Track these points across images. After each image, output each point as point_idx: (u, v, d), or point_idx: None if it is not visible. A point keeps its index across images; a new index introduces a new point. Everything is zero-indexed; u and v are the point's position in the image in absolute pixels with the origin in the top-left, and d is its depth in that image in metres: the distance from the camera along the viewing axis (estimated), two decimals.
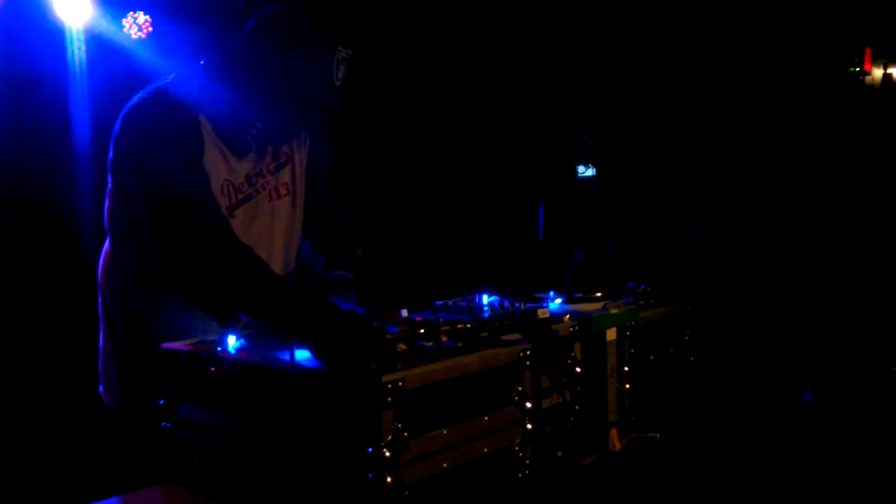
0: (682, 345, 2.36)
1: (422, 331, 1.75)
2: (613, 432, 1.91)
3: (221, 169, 2.01)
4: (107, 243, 2.12)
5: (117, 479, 2.05)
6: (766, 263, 5.32)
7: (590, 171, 6.09)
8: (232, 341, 1.72)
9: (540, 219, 5.99)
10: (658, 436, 1.99)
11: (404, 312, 1.98)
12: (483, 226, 5.90)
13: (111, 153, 2.02)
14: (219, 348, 1.71)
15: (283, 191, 2.16)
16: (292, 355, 1.56)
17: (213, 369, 1.67)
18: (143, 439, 2.02)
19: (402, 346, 1.68)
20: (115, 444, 2.14)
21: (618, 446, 1.91)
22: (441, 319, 1.81)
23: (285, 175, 2.17)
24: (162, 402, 1.77)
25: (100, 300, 2.14)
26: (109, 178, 2.05)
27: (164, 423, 1.76)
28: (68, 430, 3.57)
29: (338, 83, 2.02)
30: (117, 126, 2.00)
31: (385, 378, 1.41)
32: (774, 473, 1.91)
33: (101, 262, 2.14)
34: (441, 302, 2.20)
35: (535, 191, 6.08)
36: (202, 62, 2.04)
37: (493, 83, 5.55)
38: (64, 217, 3.91)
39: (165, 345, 1.79)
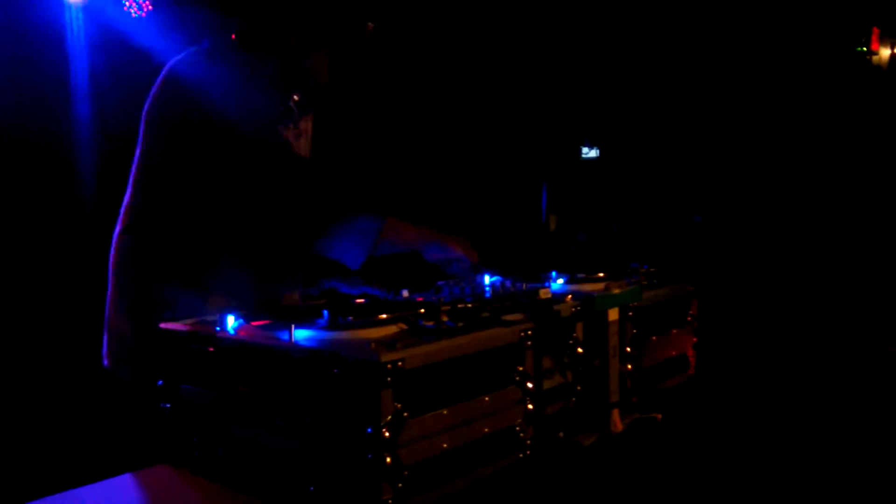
0: (684, 326, 2.35)
1: (422, 310, 1.74)
2: (615, 413, 1.90)
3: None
4: (126, 200, 2.22)
5: (116, 460, 2.06)
6: (770, 245, 5.30)
7: (594, 152, 6.06)
8: (231, 321, 1.71)
9: (543, 199, 5.98)
10: (660, 417, 1.98)
11: (405, 292, 1.97)
12: (486, 206, 5.88)
13: (152, 110, 2.15)
14: (218, 328, 1.70)
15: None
16: (291, 335, 1.55)
17: (211, 349, 1.66)
18: (143, 416, 2.04)
19: (402, 326, 1.67)
20: (114, 423, 2.14)
21: (619, 427, 1.90)
22: (442, 299, 1.80)
23: (301, 144, 2.30)
24: (161, 382, 1.76)
25: (114, 264, 2.21)
26: (144, 133, 2.17)
27: (163, 404, 1.76)
28: (67, 410, 3.58)
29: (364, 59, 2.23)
30: (158, 85, 2.14)
31: (384, 358, 1.40)
32: (776, 456, 1.90)
33: (119, 223, 2.21)
34: (442, 282, 2.19)
35: (539, 171, 6.06)
36: (228, 39, 2.18)
37: (496, 63, 5.51)
38: (65, 194, 3.91)
39: (164, 325, 1.78)
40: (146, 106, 2.20)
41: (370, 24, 2.21)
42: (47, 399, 3.68)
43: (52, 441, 3.48)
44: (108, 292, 2.23)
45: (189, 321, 1.81)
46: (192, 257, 2.10)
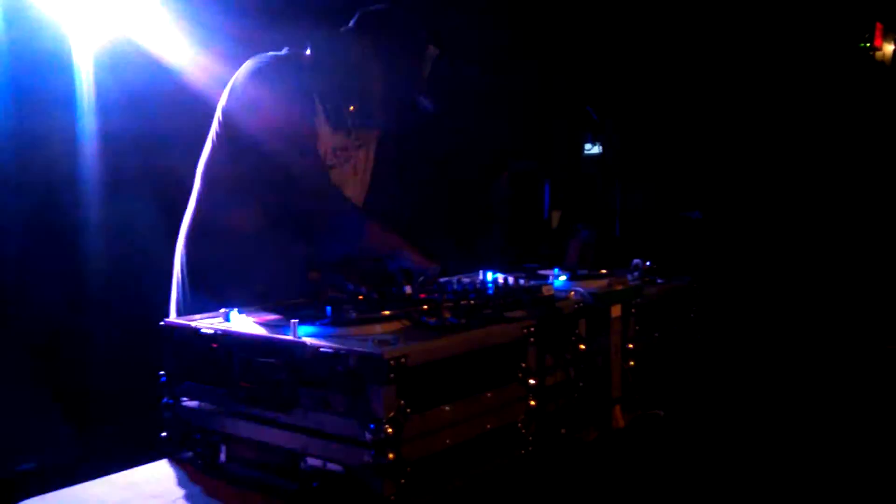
0: (686, 322, 2.35)
1: (425, 307, 1.74)
2: (617, 409, 1.91)
3: (321, 135, 2.32)
4: (195, 197, 2.37)
5: (118, 456, 2.06)
6: (771, 241, 5.30)
7: (596, 149, 6.06)
8: (234, 317, 1.72)
9: (545, 196, 5.97)
10: (662, 413, 1.99)
11: (408, 289, 1.97)
12: (488, 203, 5.88)
13: (230, 105, 2.28)
14: (221, 324, 1.70)
15: (359, 167, 2.48)
16: (294, 331, 1.56)
17: (215, 345, 1.66)
18: (146, 412, 2.05)
19: (405, 322, 1.67)
20: (117, 419, 2.15)
21: (621, 423, 1.90)
22: (445, 296, 1.80)
23: (360, 155, 2.47)
24: (164, 378, 1.76)
25: (184, 262, 2.36)
26: (220, 128, 2.30)
27: (165, 400, 1.76)
28: (70, 406, 3.58)
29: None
30: (240, 81, 2.27)
31: (388, 354, 1.40)
32: (777, 452, 1.90)
33: (192, 221, 2.36)
34: (445, 279, 2.19)
35: (541, 168, 6.05)
36: (308, 50, 2.32)
37: (499, 59, 5.51)
38: (68, 201, 3.89)
39: (167, 321, 1.79)
40: (222, 116, 2.32)
41: (434, 48, 2.35)
42: (49, 397, 3.68)
43: (56, 437, 3.48)
44: (179, 279, 2.39)
45: (194, 317, 1.81)
46: (255, 253, 2.27)
